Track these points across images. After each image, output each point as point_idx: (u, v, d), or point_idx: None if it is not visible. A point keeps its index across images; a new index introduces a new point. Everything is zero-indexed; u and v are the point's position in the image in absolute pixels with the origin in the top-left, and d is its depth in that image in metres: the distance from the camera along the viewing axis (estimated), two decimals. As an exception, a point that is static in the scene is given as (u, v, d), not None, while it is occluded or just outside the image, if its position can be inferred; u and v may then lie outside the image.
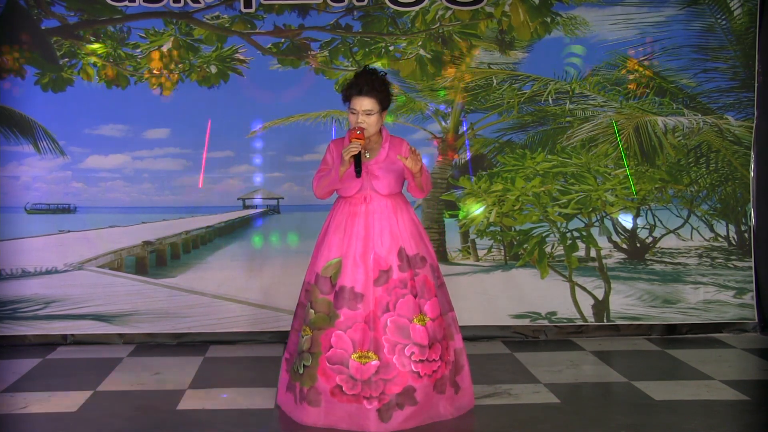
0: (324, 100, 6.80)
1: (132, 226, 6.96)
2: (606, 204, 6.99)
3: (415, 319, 4.68)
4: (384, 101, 4.76)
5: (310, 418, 4.67)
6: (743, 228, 7.16)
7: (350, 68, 6.81)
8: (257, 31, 6.81)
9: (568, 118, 6.99)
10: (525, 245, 7.01)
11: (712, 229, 7.18)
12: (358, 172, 4.62)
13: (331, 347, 4.65)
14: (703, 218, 7.17)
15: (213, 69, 6.82)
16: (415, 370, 4.64)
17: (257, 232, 7.03)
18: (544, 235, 7.01)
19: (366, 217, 4.78)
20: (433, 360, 4.70)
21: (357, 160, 4.61)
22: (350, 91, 4.74)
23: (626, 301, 7.04)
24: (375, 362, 4.61)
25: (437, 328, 4.76)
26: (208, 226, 7.04)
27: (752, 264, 7.12)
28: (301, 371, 4.72)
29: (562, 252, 7.02)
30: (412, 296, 4.71)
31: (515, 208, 6.95)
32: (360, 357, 4.62)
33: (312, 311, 4.74)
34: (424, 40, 6.88)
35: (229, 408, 5.09)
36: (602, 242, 7.07)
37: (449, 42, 6.88)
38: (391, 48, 6.88)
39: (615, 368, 6.01)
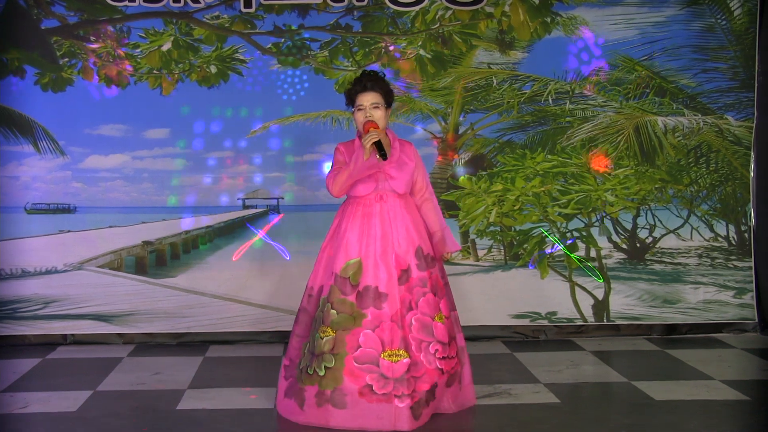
0: (324, 100, 6.81)
1: (132, 226, 6.96)
2: (606, 204, 6.99)
3: (436, 317, 4.72)
4: (387, 96, 4.83)
5: (337, 420, 4.60)
6: (743, 228, 7.16)
7: (350, 68, 6.81)
8: (257, 31, 6.82)
9: (568, 118, 6.99)
10: (525, 245, 7.01)
11: (712, 229, 7.18)
12: (384, 155, 4.61)
13: (359, 347, 4.61)
14: (703, 218, 7.17)
15: (213, 69, 6.82)
16: (439, 367, 4.67)
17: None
18: (544, 235, 7.01)
19: (381, 217, 4.78)
20: (452, 357, 4.76)
21: (379, 145, 4.63)
22: (355, 89, 4.80)
23: (626, 301, 7.04)
24: (406, 360, 4.60)
25: (451, 325, 4.82)
26: (207, 226, 7.04)
27: (752, 264, 7.13)
28: (321, 373, 4.65)
29: (562, 252, 7.02)
30: (432, 294, 4.74)
31: (515, 208, 6.95)
32: (390, 355, 4.60)
33: (333, 312, 4.68)
34: (424, 40, 6.88)
35: (229, 408, 5.08)
36: (602, 242, 7.07)
37: (449, 42, 6.89)
38: (391, 48, 6.88)
39: (615, 368, 6.01)
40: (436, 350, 4.67)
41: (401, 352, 4.61)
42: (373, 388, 4.58)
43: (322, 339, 4.68)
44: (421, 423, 4.61)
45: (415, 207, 4.93)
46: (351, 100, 4.82)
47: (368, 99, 4.75)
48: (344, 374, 4.61)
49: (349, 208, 4.88)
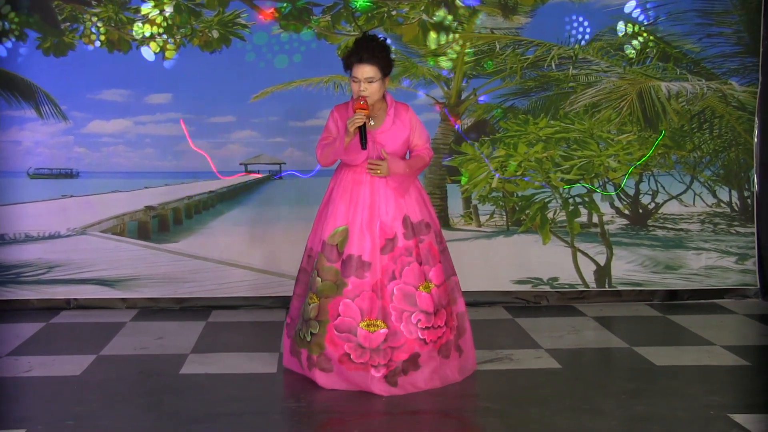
0: (326, 65, 6.77)
1: (134, 191, 6.96)
2: (608, 170, 6.97)
3: (420, 287, 4.72)
4: (385, 67, 4.73)
5: (324, 380, 4.74)
6: (746, 194, 7.14)
7: (352, 33, 6.77)
8: (259, -5, 6.77)
9: (571, 84, 6.95)
10: (527, 211, 7.01)
11: (714, 195, 7.17)
12: (364, 145, 4.61)
13: (339, 315, 4.68)
14: (706, 184, 7.16)
15: (215, 34, 6.78)
16: (421, 337, 4.69)
17: (260, 197, 7.03)
18: (546, 200, 7.00)
19: (371, 185, 4.79)
20: (438, 326, 4.75)
21: (362, 131, 4.59)
22: (350, 59, 4.72)
23: (628, 267, 7.04)
24: (383, 330, 4.65)
25: (442, 294, 4.81)
26: (210, 191, 7.04)
27: (754, 230, 7.12)
28: (308, 339, 4.75)
29: (564, 218, 7.02)
30: (418, 264, 4.74)
31: (517, 173, 6.94)
32: (368, 325, 4.66)
33: (319, 279, 4.75)
34: (427, 5, 6.83)
35: (232, 372, 5.12)
36: (604, 208, 7.06)
37: (452, 6, 6.83)
38: (393, 13, 6.83)
39: (616, 334, 6.03)
40: (419, 320, 4.69)
41: (379, 322, 4.66)
42: (351, 356, 4.68)
43: (309, 305, 4.78)
44: (402, 391, 4.66)
45: None
46: (348, 67, 4.77)
47: (363, 72, 4.66)
48: (326, 341, 4.72)
49: (341, 174, 4.90)
